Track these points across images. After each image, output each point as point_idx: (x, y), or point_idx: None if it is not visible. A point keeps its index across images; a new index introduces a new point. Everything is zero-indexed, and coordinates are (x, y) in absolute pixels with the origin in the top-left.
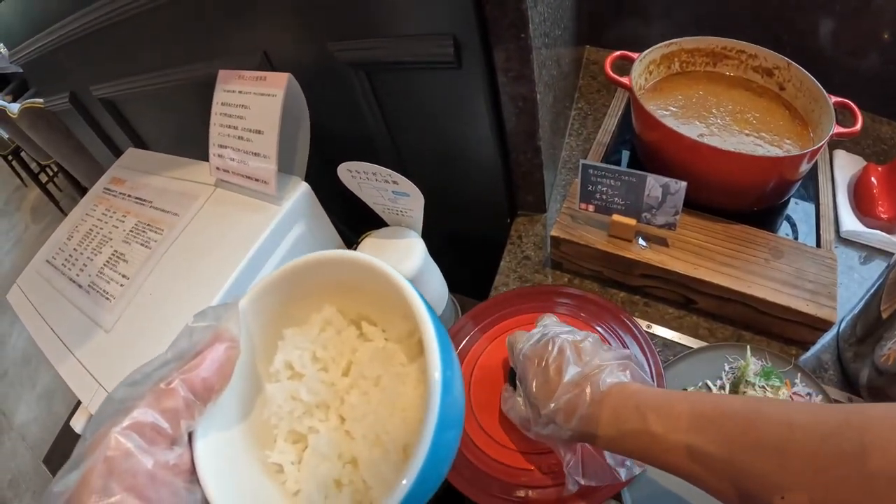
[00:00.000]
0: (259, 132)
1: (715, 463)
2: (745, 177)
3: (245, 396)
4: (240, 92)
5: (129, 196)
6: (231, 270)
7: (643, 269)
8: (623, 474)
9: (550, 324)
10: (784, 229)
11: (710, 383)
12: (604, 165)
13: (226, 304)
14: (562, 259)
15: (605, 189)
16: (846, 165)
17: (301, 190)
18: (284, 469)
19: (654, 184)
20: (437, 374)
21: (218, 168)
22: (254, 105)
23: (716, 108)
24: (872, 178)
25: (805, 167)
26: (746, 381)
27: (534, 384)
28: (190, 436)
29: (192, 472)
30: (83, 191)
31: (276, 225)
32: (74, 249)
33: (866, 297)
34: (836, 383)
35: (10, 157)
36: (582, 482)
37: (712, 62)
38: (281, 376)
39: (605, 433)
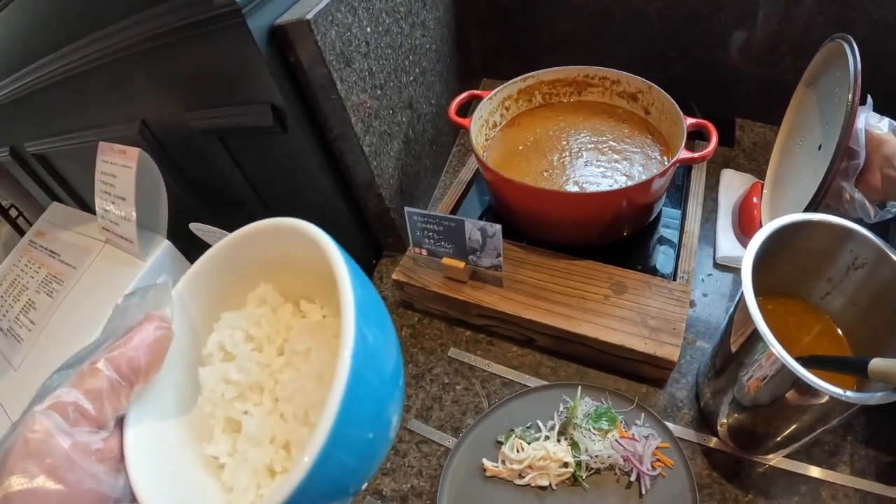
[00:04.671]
0: (123, 199)
1: None
2: (574, 213)
3: (184, 388)
4: (111, 163)
5: (46, 249)
6: (103, 320)
7: (479, 310)
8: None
9: None
10: (653, 259)
11: (541, 424)
12: (426, 212)
13: (156, 284)
14: (410, 300)
15: (431, 234)
16: (733, 185)
17: (162, 247)
18: (223, 463)
19: (472, 228)
20: (350, 328)
21: (103, 227)
22: (118, 174)
23: (572, 139)
24: (754, 198)
25: (654, 196)
26: (575, 423)
27: None
28: (121, 423)
29: (120, 459)
30: None
31: (141, 278)
32: (1, 297)
33: (722, 329)
34: (689, 423)
35: None
36: None
37: (577, 91)
38: (213, 359)
39: None
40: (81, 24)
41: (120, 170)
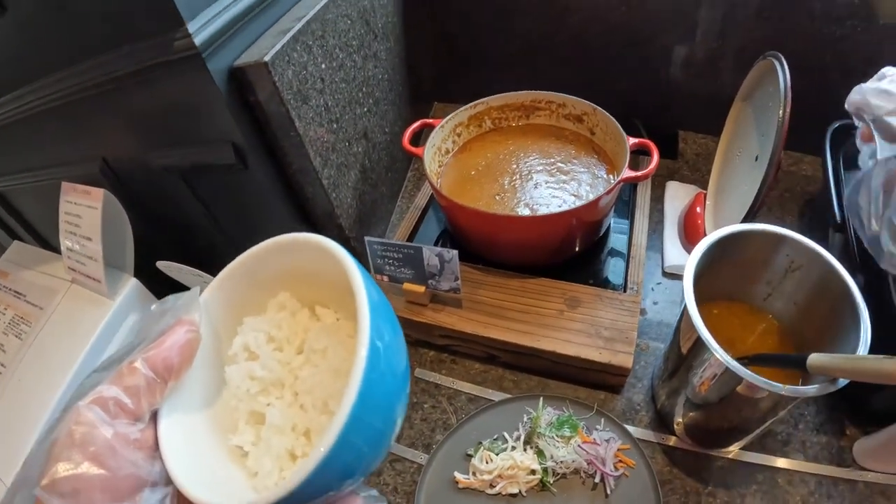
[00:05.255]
0: (89, 239)
1: None
2: (527, 235)
3: (209, 385)
4: (75, 203)
5: (10, 290)
6: (76, 360)
7: (441, 331)
8: None
9: None
10: (604, 272)
11: (507, 435)
12: (385, 241)
13: (186, 292)
14: None
15: (391, 261)
16: (678, 196)
17: (130, 285)
18: (246, 451)
19: (429, 254)
20: (366, 328)
21: (69, 267)
22: (84, 215)
23: (522, 162)
24: (698, 208)
25: (602, 213)
26: (539, 432)
27: None
28: (155, 416)
29: (155, 448)
30: None
31: (110, 318)
32: None
33: (671, 335)
34: (647, 424)
35: None
36: None
37: (525, 115)
38: (239, 358)
39: None
40: (41, 64)
41: (85, 210)
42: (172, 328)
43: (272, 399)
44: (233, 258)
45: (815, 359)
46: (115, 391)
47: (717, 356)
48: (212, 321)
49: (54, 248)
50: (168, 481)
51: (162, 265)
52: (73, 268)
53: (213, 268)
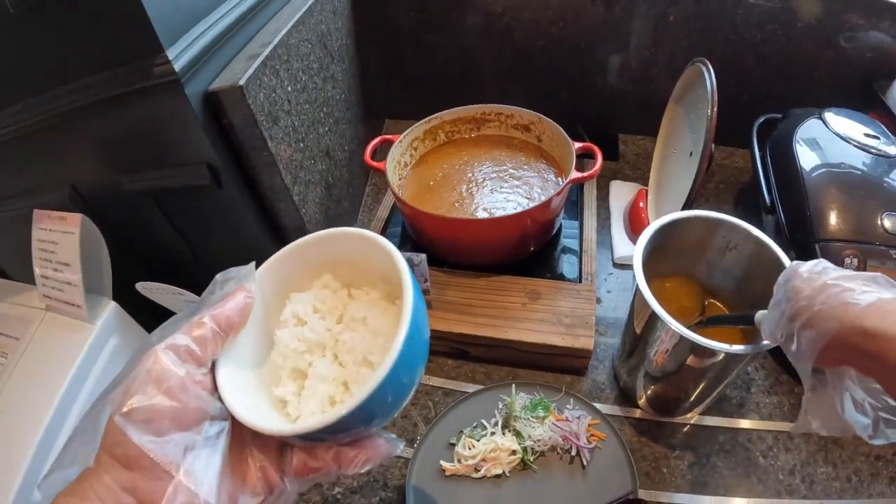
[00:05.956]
0: (67, 264)
1: None
2: (487, 236)
3: (257, 346)
4: (50, 230)
5: None
6: (60, 386)
7: None
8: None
9: None
10: (560, 267)
11: (485, 422)
12: None
13: (245, 265)
14: None
15: None
16: (622, 194)
17: (109, 309)
18: (287, 401)
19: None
20: (409, 295)
21: (44, 295)
22: (60, 241)
23: (476, 171)
24: (640, 203)
25: (554, 213)
26: (514, 416)
27: None
28: (213, 365)
29: (214, 389)
30: None
31: (92, 342)
32: None
33: (627, 316)
34: (613, 400)
35: None
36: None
37: (476, 127)
38: (289, 324)
39: None
40: (15, 90)
41: (61, 236)
42: (234, 293)
43: (315, 358)
44: (207, 275)
45: (760, 314)
46: (186, 340)
47: (671, 326)
48: (263, 294)
49: (11, 278)
50: (224, 417)
51: (141, 287)
52: (48, 295)
53: (186, 285)
